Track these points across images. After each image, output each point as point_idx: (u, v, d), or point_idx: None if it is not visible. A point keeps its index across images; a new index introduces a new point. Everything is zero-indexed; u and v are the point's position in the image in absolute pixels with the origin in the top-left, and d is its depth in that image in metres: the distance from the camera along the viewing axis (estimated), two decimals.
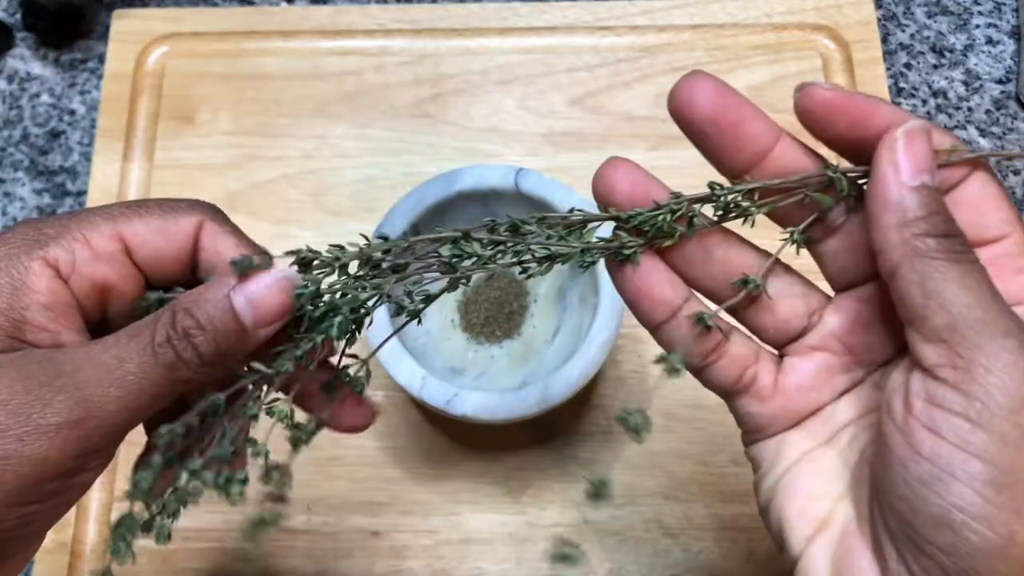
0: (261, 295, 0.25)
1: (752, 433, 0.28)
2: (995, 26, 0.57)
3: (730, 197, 0.26)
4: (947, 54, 0.56)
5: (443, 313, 0.47)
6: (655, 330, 0.27)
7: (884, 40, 0.56)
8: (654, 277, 0.26)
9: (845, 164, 0.26)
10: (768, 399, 0.27)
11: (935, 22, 0.57)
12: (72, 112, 0.56)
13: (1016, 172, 0.53)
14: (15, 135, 0.55)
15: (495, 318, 0.46)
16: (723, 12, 0.56)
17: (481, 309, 0.47)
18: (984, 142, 0.54)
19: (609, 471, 0.46)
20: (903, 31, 0.57)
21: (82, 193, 0.53)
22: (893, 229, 0.23)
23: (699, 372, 0.27)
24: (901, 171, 0.23)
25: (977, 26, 0.57)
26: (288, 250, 0.26)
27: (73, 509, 0.45)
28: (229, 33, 0.56)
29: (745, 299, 0.27)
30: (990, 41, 0.56)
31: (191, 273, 0.28)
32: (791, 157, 0.26)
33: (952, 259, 0.22)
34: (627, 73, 0.54)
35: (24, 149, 0.55)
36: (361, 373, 0.27)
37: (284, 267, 0.26)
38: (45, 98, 0.56)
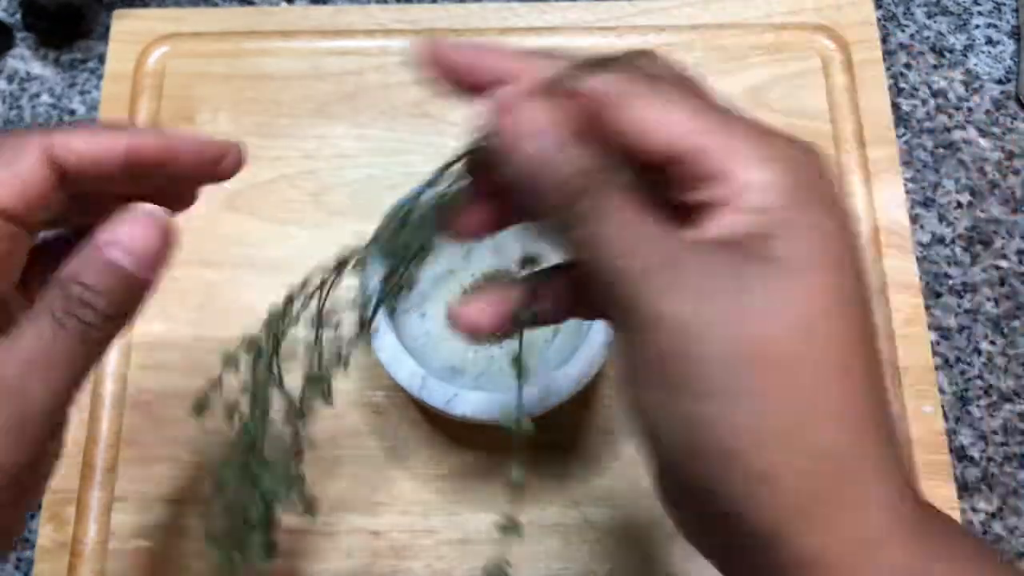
0: (135, 241, 0.25)
1: None
2: (995, 26, 0.57)
3: None
4: (947, 54, 0.56)
5: (443, 313, 0.47)
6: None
7: (884, 40, 0.56)
8: None
9: None
10: None
11: (935, 22, 0.57)
12: (72, 112, 0.56)
13: (1016, 172, 0.53)
14: None
15: None
16: (723, 12, 0.55)
17: None
18: (984, 142, 0.54)
19: (609, 471, 0.46)
20: (903, 31, 0.57)
21: None
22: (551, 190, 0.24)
23: None
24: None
25: (977, 26, 0.57)
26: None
27: (73, 509, 0.45)
28: (229, 33, 0.56)
29: None
30: (990, 41, 0.56)
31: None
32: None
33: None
34: None
35: None
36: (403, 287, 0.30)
37: (144, 206, 0.26)
38: (45, 98, 0.56)
